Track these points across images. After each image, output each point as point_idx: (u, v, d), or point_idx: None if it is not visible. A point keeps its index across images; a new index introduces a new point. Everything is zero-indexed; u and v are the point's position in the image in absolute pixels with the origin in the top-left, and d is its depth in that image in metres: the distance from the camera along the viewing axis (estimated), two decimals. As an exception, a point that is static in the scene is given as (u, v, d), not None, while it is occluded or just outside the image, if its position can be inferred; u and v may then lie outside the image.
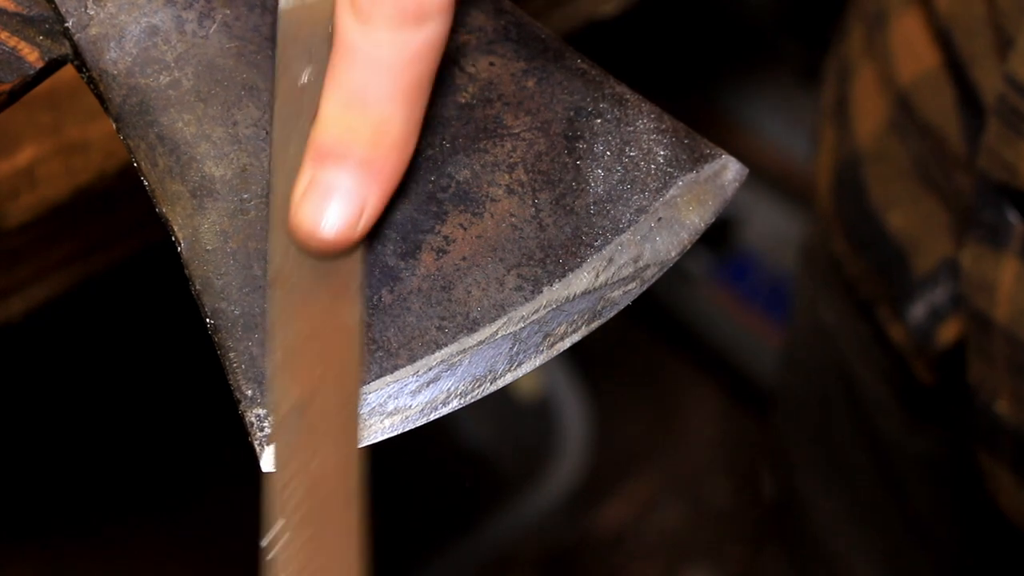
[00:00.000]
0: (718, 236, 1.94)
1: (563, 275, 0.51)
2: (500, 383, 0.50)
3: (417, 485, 1.64)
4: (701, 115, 1.92)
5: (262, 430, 0.48)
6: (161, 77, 0.51)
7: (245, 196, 0.50)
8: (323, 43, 0.47)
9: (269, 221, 0.48)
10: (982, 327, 0.75)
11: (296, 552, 0.44)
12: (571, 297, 0.51)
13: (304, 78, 0.47)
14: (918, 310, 0.82)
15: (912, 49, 0.81)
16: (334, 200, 0.46)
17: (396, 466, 1.50)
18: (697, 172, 0.52)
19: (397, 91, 0.46)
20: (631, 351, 1.98)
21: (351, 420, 0.46)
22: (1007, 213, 0.72)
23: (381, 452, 0.51)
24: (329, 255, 0.47)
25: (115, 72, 0.51)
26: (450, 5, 0.46)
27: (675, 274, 0.53)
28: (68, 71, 0.52)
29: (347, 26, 0.46)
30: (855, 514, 1.04)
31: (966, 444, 0.84)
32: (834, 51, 0.96)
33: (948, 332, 0.81)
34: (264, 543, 0.44)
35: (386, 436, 0.49)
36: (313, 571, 0.45)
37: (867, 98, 0.86)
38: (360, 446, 0.47)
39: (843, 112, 0.89)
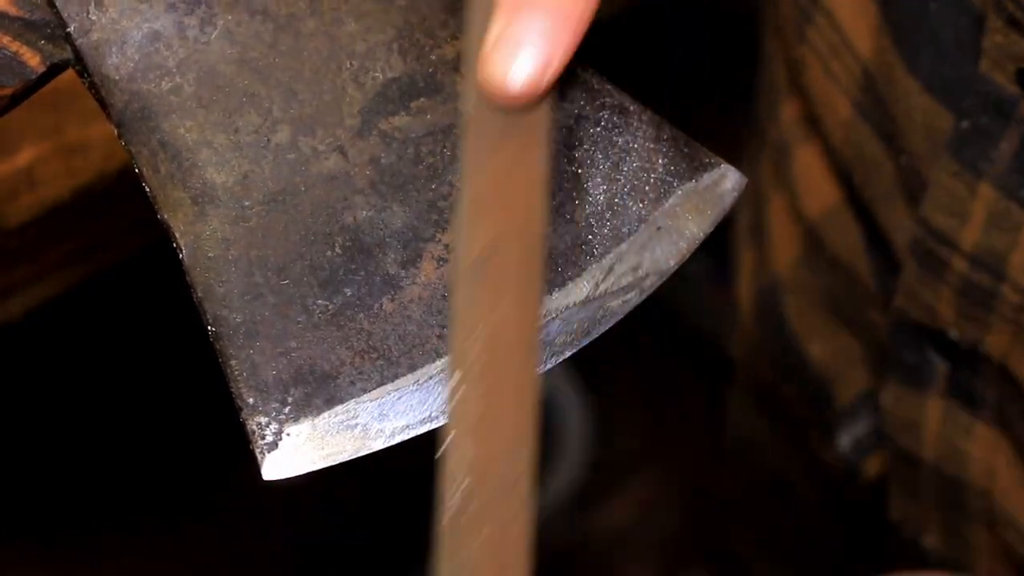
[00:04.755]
0: (718, 237, 1.93)
1: (562, 284, 0.51)
2: (500, 391, 0.50)
3: (417, 486, 1.64)
4: (702, 117, 1.92)
5: (263, 438, 0.48)
6: (163, 83, 0.51)
7: (247, 203, 0.50)
8: None
9: (463, 70, 0.47)
10: (908, 464, 0.74)
11: (474, 404, 0.45)
12: (570, 306, 0.51)
13: None
14: (844, 440, 0.81)
15: (815, 184, 0.80)
16: (522, 52, 0.44)
17: (396, 467, 1.50)
18: (696, 182, 0.52)
19: None
20: (631, 352, 1.98)
21: (534, 272, 0.46)
22: (928, 354, 0.71)
23: (381, 454, 0.51)
24: (517, 108, 0.45)
25: (117, 77, 0.51)
26: None
27: (675, 275, 0.52)
28: (69, 72, 0.52)
29: None
30: None
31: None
32: (747, 172, 0.94)
33: (873, 465, 0.80)
34: (445, 396, 0.45)
35: (387, 445, 0.49)
36: (490, 422, 0.45)
37: (781, 228, 0.85)
38: (540, 301, 0.46)
39: (759, 239, 0.88)
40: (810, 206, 0.80)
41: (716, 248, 1.97)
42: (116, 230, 0.91)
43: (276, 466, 0.48)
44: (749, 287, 0.91)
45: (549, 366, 0.51)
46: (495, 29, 0.45)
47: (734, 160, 0.53)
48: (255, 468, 0.48)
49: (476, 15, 0.46)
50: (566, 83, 0.53)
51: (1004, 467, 0.71)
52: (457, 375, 0.44)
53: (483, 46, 0.45)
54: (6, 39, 0.50)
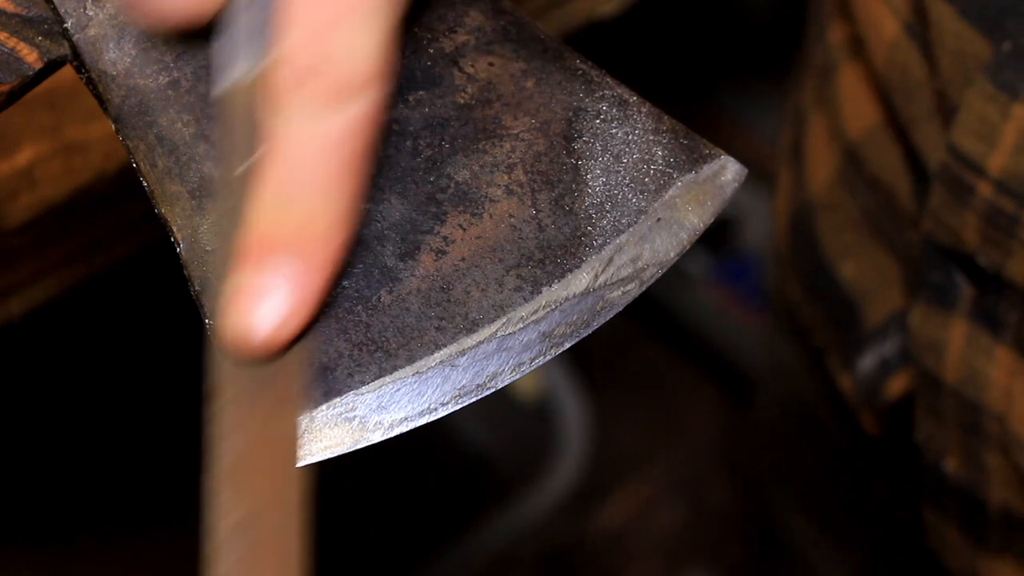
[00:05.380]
0: (718, 236, 1.94)
1: (562, 276, 0.51)
2: (500, 384, 0.50)
3: (417, 485, 1.64)
4: (701, 115, 1.92)
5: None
6: (160, 78, 0.51)
7: None
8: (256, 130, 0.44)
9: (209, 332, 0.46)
10: (931, 386, 0.75)
11: None
12: (570, 298, 0.51)
13: (239, 169, 0.45)
14: (867, 362, 0.81)
15: (857, 103, 0.80)
16: (258, 302, 0.44)
17: (396, 466, 1.50)
18: (696, 173, 0.52)
19: (322, 180, 0.44)
20: (631, 351, 1.98)
21: (294, 538, 0.45)
22: (954, 276, 0.72)
23: (380, 453, 0.51)
24: (264, 359, 0.45)
25: (114, 73, 0.51)
26: (383, 72, 0.44)
27: (675, 274, 0.52)
28: (67, 71, 0.52)
29: (267, 117, 0.44)
30: (822, 528, 1.04)
31: (913, 498, 0.83)
32: (789, 99, 0.96)
33: (896, 385, 0.81)
34: None
35: (386, 437, 0.49)
36: None
37: (819, 148, 0.86)
38: (302, 565, 0.45)
39: (798, 158, 0.89)
40: (851, 125, 0.81)
41: (717, 247, 1.98)
42: (116, 230, 0.90)
43: (274, 459, 0.48)
44: (785, 207, 0.92)
45: (549, 357, 0.50)
46: (236, 278, 0.44)
47: (732, 151, 0.53)
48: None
49: (216, 271, 0.45)
50: (566, 76, 0.53)
51: (1021, 393, 0.71)
52: None
53: (223, 296, 0.44)
54: (3, 35, 0.50)
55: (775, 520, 1.11)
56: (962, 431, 0.75)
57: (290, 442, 0.45)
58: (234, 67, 0.44)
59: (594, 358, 1.89)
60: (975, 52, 0.66)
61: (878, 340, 0.81)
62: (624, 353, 1.96)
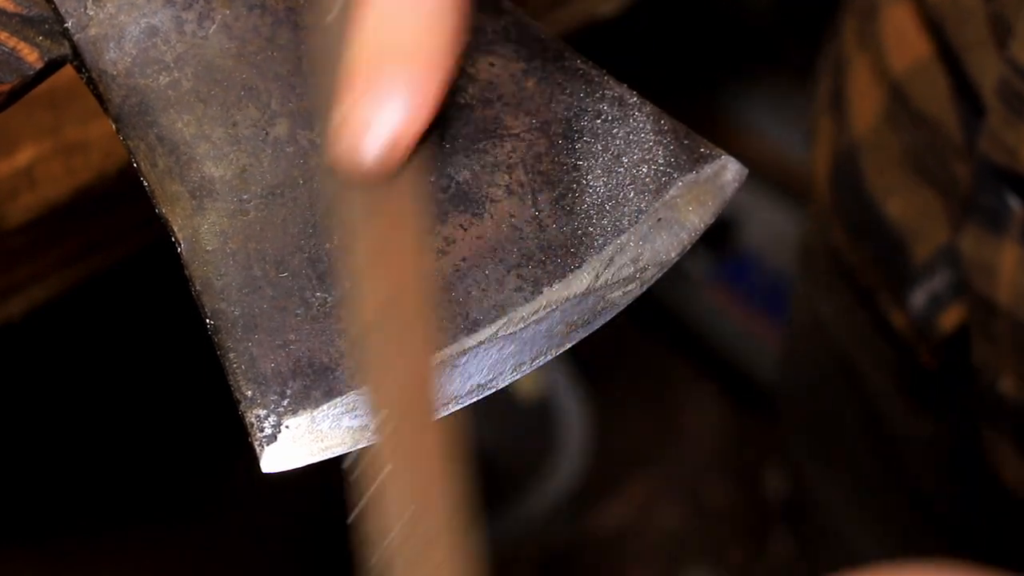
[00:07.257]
0: (718, 236, 1.94)
1: (563, 276, 0.51)
2: (500, 384, 0.50)
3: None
4: (701, 115, 1.92)
5: (262, 431, 0.48)
6: (161, 77, 0.51)
7: (245, 197, 0.50)
8: None
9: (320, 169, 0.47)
10: (986, 309, 0.76)
11: (398, 480, 0.45)
12: (571, 298, 0.51)
13: (332, 14, 0.45)
14: (918, 297, 0.83)
15: (904, 40, 0.82)
16: (369, 125, 0.44)
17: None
18: (697, 173, 0.52)
19: (428, 4, 0.44)
20: (631, 351, 1.98)
21: (428, 318, 0.47)
22: (1007, 198, 0.73)
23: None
24: (377, 181, 0.45)
25: (114, 72, 0.51)
26: None
27: (675, 274, 0.53)
28: (68, 71, 0.52)
29: None
30: (861, 499, 1.05)
31: (968, 423, 0.85)
32: (827, 48, 0.97)
33: (949, 319, 0.82)
34: (359, 468, 0.46)
35: (386, 437, 0.49)
36: (417, 458, 0.46)
37: (862, 90, 0.87)
38: (433, 357, 0.48)
39: (839, 104, 0.91)
40: (897, 63, 0.83)
41: (718, 247, 1.97)
42: (116, 230, 0.91)
43: (275, 459, 0.48)
44: (826, 153, 0.93)
45: (550, 358, 0.50)
46: (343, 106, 0.44)
47: (732, 151, 0.53)
48: (255, 466, 0.48)
49: (323, 86, 0.45)
50: (567, 76, 0.53)
51: None
52: (382, 414, 0.46)
53: (331, 124, 0.44)
54: (3, 35, 0.50)
55: (811, 502, 1.12)
56: (1017, 352, 0.76)
57: (414, 247, 0.46)
58: None
59: (594, 358, 1.89)
60: None
61: (927, 276, 0.82)
62: (624, 353, 1.96)
